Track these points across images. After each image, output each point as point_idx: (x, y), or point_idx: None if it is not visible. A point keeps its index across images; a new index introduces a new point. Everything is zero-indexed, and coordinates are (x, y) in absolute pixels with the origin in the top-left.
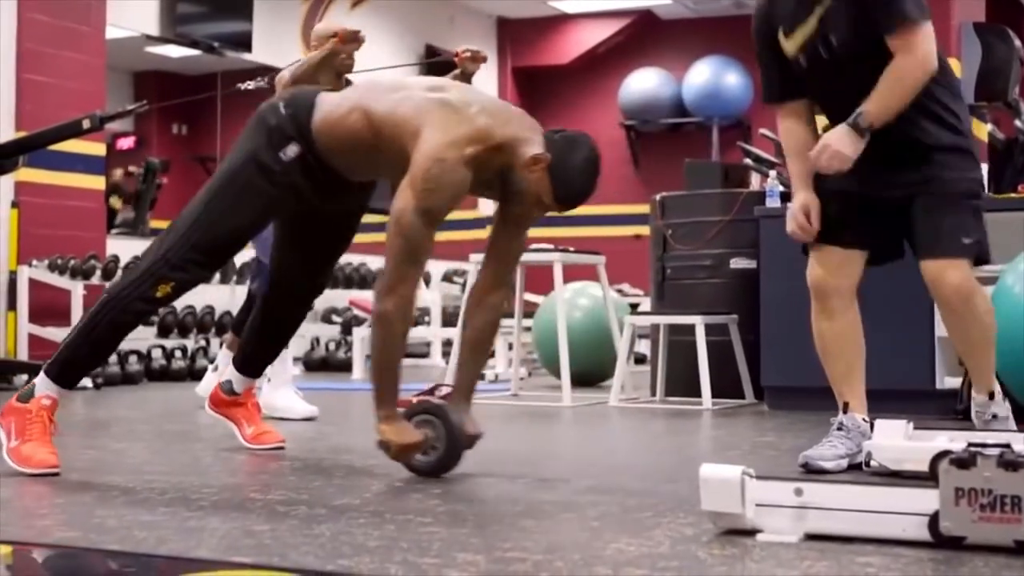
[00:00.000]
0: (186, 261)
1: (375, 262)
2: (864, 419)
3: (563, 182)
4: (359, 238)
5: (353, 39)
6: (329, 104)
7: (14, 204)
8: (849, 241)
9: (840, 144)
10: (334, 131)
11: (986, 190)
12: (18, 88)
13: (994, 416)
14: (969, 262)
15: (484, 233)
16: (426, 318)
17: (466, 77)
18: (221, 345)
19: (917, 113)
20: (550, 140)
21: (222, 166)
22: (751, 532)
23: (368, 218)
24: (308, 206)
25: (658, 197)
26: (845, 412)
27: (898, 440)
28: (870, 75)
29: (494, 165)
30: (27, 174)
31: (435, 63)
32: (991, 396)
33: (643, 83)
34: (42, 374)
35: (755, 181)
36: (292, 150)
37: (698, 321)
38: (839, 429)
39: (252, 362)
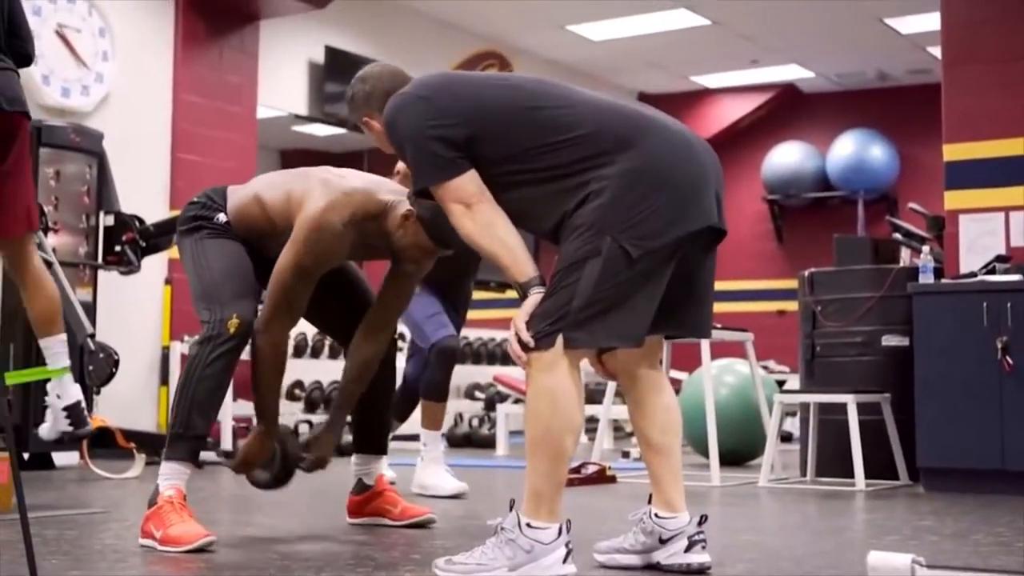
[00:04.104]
0: (231, 298)
1: None
2: (530, 523)
3: (435, 227)
4: (496, 314)
5: None
6: (234, 194)
7: (167, 281)
8: None
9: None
10: (239, 216)
11: None
12: (172, 167)
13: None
14: (544, 353)
15: None
16: None
17: None
18: None
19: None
20: (411, 199)
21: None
22: None
23: (511, 294)
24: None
25: (807, 273)
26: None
27: None
28: None
29: (375, 231)
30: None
31: None
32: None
33: (786, 157)
34: (161, 464)
35: (905, 256)
36: (222, 216)
37: (850, 400)
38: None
39: (364, 438)
